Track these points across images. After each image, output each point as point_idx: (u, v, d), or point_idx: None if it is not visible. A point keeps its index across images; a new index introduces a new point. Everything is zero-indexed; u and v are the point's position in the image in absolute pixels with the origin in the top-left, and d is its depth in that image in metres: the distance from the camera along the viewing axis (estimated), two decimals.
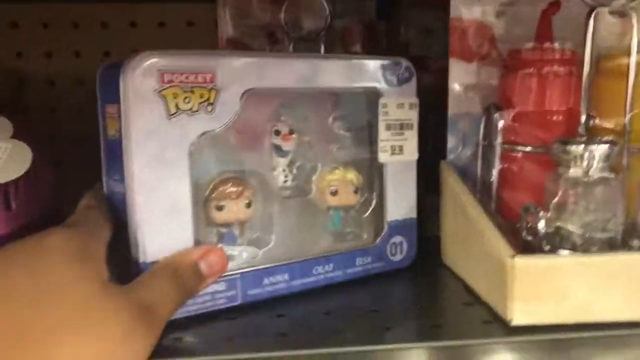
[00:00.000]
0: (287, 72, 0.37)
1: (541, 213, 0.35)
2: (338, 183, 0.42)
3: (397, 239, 0.43)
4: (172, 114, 0.33)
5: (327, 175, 0.42)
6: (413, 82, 0.42)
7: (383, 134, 0.41)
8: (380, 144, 0.41)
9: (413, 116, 0.43)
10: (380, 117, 0.41)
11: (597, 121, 0.39)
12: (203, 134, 0.34)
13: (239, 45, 0.56)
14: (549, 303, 0.34)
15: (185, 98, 0.33)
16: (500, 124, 0.41)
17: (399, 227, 0.43)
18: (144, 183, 0.33)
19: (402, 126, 0.42)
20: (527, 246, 0.36)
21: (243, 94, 0.35)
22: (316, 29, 0.45)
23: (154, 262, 0.33)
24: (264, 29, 0.57)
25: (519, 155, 0.40)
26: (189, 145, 0.34)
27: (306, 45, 0.45)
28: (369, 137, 0.43)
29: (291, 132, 0.41)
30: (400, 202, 0.43)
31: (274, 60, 0.37)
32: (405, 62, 0.42)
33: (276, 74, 0.37)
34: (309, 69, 0.38)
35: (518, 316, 0.33)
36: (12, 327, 0.24)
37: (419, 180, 0.44)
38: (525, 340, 0.33)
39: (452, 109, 0.44)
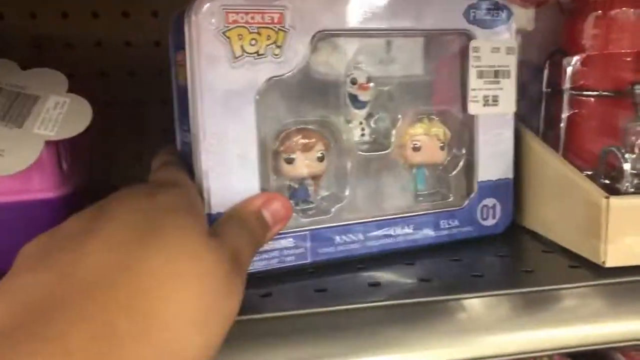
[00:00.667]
0: (363, 12, 0.34)
1: (626, 154, 0.34)
2: (422, 138, 0.38)
3: (490, 201, 0.39)
4: (238, 57, 0.31)
5: (409, 129, 0.38)
6: (510, 24, 0.38)
7: (474, 82, 0.37)
8: (471, 94, 0.37)
9: (511, 62, 0.38)
10: (471, 63, 0.37)
11: None
12: (270, 79, 0.32)
13: None
14: None
15: (252, 40, 0.31)
16: (570, 69, 0.39)
17: (491, 188, 0.39)
18: (208, 131, 0.31)
19: (497, 73, 0.38)
20: (607, 190, 0.34)
21: (314, 36, 0.33)
22: None
23: (219, 214, 0.32)
24: None
25: (590, 100, 0.39)
26: (255, 91, 0.32)
27: None
28: (459, 86, 0.39)
29: (369, 81, 0.37)
30: (494, 161, 0.39)
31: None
32: (500, 1, 0.37)
33: (351, 15, 0.34)
34: (388, 9, 0.35)
35: (612, 258, 0.32)
36: (126, 272, 0.22)
37: None
38: (618, 282, 0.32)
39: None
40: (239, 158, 0.32)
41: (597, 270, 0.33)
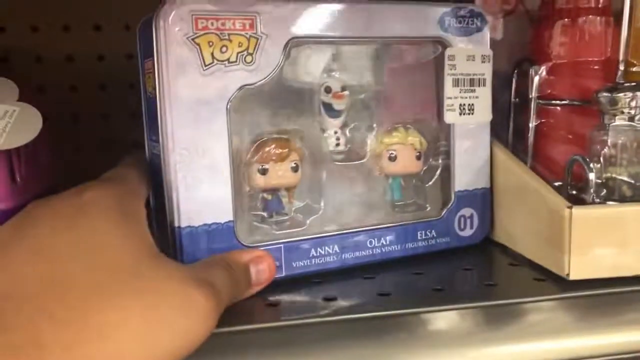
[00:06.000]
0: (338, 19, 0.33)
1: (591, 164, 0.34)
2: (398, 147, 0.38)
3: (467, 211, 0.39)
4: (208, 65, 0.31)
5: (385, 138, 0.38)
6: (485, 32, 0.38)
7: (450, 90, 0.37)
8: (447, 102, 0.37)
9: (486, 70, 0.38)
10: (447, 71, 0.37)
11: (635, 69, 0.38)
12: (242, 87, 0.31)
13: None
14: (607, 256, 0.32)
15: (222, 47, 0.31)
16: (537, 78, 0.39)
17: (468, 198, 0.39)
18: (177, 141, 0.30)
19: (473, 82, 0.38)
20: (572, 200, 0.34)
21: (287, 43, 0.32)
22: None
23: (189, 227, 0.31)
24: None
25: (557, 109, 0.39)
26: (226, 100, 0.31)
27: None
28: (435, 95, 0.38)
29: (343, 89, 0.36)
30: (471, 170, 0.39)
31: (323, 5, 0.33)
32: (475, 9, 0.37)
33: (326, 21, 0.33)
34: (363, 16, 0.34)
35: (575, 270, 0.32)
36: (55, 281, 0.22)
37: None
38: (583, 295, 0.32)
39: None
40: (210, 169, 0.31)
41: (562, 284, 0.33)
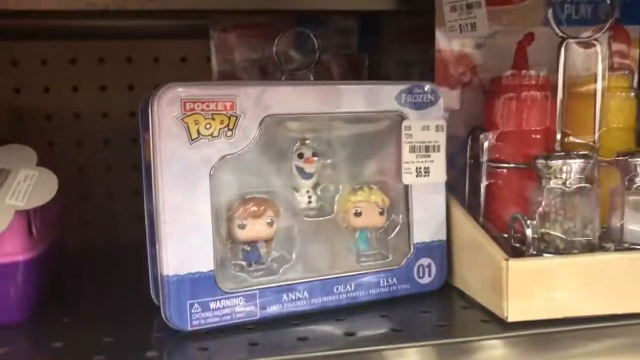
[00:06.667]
0: (306, 98, 0.39)
1: (528, 221, 0.39)
2: (362, 204, 0.42)
3: (425, 261, 0.44)
4: (194, 139, 0.36)
5: (351, 196, 0.43)
6: (439, 105, 0.43)
7: (407, 156, 0.42)
8: (404, 166, 0.42)
9: (440, 138, 0.43)
10: (404, 140, 0.42)
11: (570, 138, 0.43)
12: (223, 157, 0.37)
13: (230, 79, 0.60)
14: (540, 300, 0.37)
15: (207, 124, 0.36)
16: (486, 144, 0.45)
17: (426, 249, 0.44)
18: (168, 202, 0.36)
19: (428, 148, 0.43)
20: (515, 252, 0.39)
21: (262, 120, 0.38)
22: (306, 62, 0.47)
23: (175, 275, 0.36)
24: (255, 63, 0.61)
25: (504, 171, 0.45)
26: (209, 168, 0.37)
27: (296, 77, 0.48)
28: (395, 159, 0.43)
29: (314, 155, 0.42)
30: (428, 224, 0.43)
31: (292, 87, 0.40)
32: (429, 86, 0.43)
33: (295, 101, 0.39)
34: (328, 95, 0.40)
35: (513, 313, 0.37)
36: None
37: None
38: (520, 335, 0.36)
39: None
40: (194, 227, 0.37)
41: (503, 325, 0.37)
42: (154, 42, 0.67)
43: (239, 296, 0.38)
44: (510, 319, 0.37)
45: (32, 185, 0.39)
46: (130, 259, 0.59)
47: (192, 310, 0.37)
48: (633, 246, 0.40)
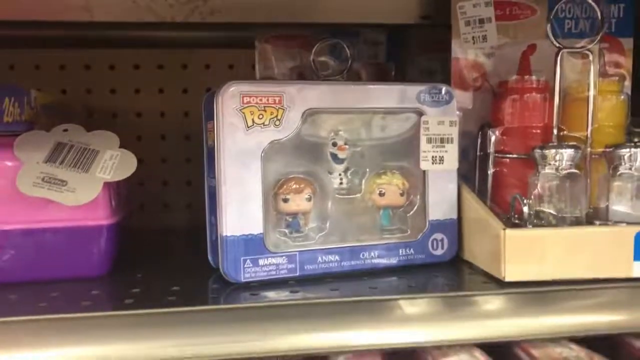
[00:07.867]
0: (341, 96, 0.48)
1: (525, 200, 0.46)
2: (385, 186, 0.51)
3: (438, 235, 0.51)
4: (249, 127, 0.45)
5: (376, 179, 0.51)
6: (453, 104, 0.51)
7: (424, 146, 0.51)
8: (422, 154, 0.51)
9: (453, 132, 0.51)
10: (422, 132, 0.50)
11: (565, 133, 0.50)
12: (272, 142, 0.46)
13: None
14: (533, 265, 0.45)
15: (259, 115, 0.45)
16: (493, 138, 0.52)
17: (439, 225, 0.52)
18: (229, 176, 0.45)
19: (442, 140, 0.51)
20: (515, 226, 0.47)
21: (304, 112, 0.47)
22: (339, 70, 0.55)
23: (232, 236, 0.45)
24: (294, 70, 0.69)
25: (508, 161, 0.52)
26: (261, 150, 0.45)
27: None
28: (414, 149, 0.51)
29: (346, 143, 0.50)
30: (441, 204, 0.51)
31: (328, 87, 0.48)
32: (445, 87, 0.51)
33: (332, 98, 0.48)
34: (360, 94, 0.49)
35: (509, 275, 0.44)
36: None
37: None
38: (514, 292, 0.44)
39: None
40: (248, 197, 0.45)
41: (501, 284, 0.45)
42: (206, 51, 0.76)
43: (282, 256, 0.46)
44: (507, 279, 0.44)
45: (116, 163, 0.48)
46: (184, 237, 0.69)
47: (245, 265, 0.45)
48: (616, 223, 0.47)
